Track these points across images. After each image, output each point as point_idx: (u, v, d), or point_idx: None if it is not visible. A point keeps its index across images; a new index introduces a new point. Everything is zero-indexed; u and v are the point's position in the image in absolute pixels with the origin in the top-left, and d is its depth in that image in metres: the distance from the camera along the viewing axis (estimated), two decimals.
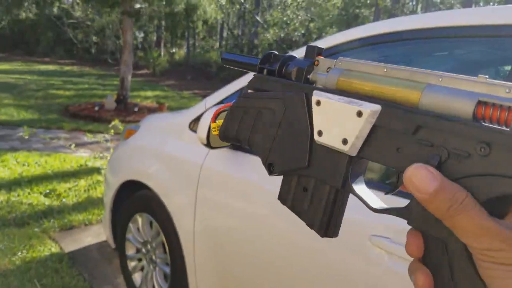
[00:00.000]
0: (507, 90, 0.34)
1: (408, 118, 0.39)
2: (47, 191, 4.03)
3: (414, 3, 24.78)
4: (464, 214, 0.32)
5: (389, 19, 1.65)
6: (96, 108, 8.60)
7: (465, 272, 0.35)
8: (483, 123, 0.35)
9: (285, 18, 18.75)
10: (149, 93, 12.61)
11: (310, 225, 0.47)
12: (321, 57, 0.50)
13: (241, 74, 1.28)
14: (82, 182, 4.33)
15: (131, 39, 8.96)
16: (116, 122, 4.61)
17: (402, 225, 1.31)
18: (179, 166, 2.00)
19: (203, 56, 20.84)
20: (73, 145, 5.30)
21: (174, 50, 21.65)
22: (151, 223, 2.25)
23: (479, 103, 0.35)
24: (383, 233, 1.21)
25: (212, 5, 12.62)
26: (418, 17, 1.59)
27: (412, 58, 1.73)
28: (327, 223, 0.46)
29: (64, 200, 3.86)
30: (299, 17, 19.06)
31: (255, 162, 1.68)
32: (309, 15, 19.52)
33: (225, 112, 0.58)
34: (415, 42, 1.50)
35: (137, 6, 9.20)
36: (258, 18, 19.63)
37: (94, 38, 20.65)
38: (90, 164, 5.01)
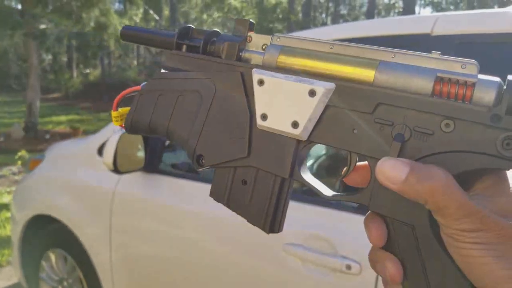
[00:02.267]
0: (463, 66, 0.34)
1: (366, 95, 0.35)
2: None
3: (324, 16, 26.40)
4: (447, 195, 0.31)
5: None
6: (1, 139, 7.91)
7: (437, 256, 0.33)
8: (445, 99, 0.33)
9: None
10: (62, 118, 11.86)
11: (254, 222, 0.42)
12: (253, 33, 0.44)
13: None
14: None
15: (38, 62, 8.38)
16: (23, 153, 4.25)
17: (312, 231, 1.35)
18: (90, 194, 1.90)
19: (120, 75, 20.07)
20: None
21: (88, 71, 20.61)
22: (65, 258, 2.11)
23: (437, 79, 0.34)
24: (294, 240, 1.25)
25: (125, 23, 12.23)
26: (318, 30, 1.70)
27: None
28: (272, 217, 0.41)
29: None
30: None
31: (171, 184, 1.65)
32: (226, 30, 19.84)
33: (133, 98, 0.49)
34: None
35: (42, 27, 8.64)
36: None
37: None
38: None
